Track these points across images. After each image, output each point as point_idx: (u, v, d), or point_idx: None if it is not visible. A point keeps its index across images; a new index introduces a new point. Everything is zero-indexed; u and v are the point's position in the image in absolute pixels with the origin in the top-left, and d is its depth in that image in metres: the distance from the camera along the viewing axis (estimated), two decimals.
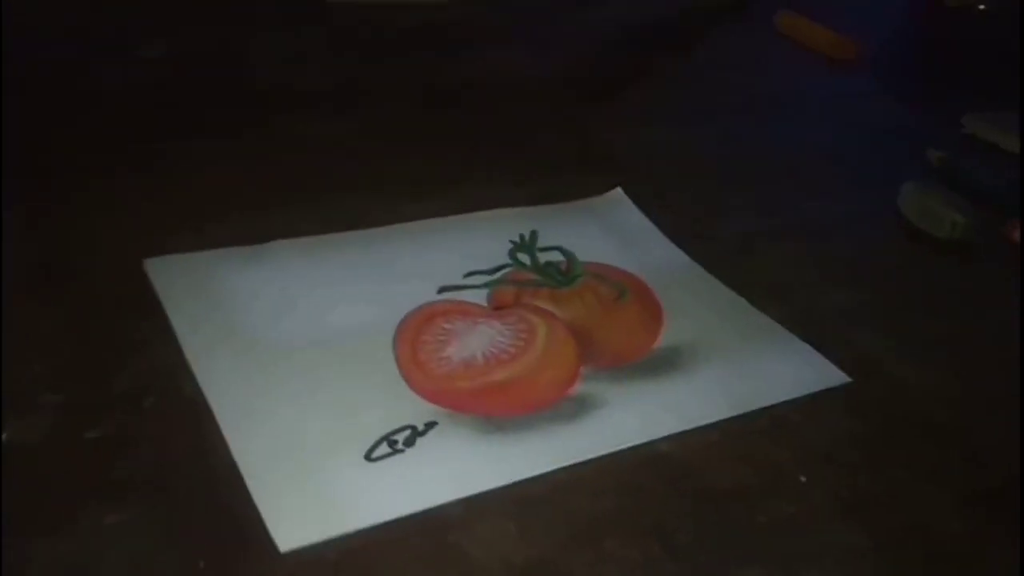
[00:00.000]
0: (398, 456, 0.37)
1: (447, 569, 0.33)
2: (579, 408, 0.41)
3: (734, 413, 0.42)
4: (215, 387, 0.39)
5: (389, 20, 0.80)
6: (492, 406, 0.41)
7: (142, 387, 0.39)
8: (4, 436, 0.35)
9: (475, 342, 0.44)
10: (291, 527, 0.33)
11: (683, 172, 0.62)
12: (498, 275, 0.49)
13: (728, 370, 0.44)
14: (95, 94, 0.61)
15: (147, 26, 0.71)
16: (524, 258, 0.51)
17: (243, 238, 0.48)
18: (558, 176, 0.59)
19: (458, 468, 0.37)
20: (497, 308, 0.47)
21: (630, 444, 0.39)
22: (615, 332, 0.47)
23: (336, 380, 0.41)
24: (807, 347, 0.46)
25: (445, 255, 0.50)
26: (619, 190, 0.58)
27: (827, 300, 0.51)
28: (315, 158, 0.57)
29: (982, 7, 1.08)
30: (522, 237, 0.53)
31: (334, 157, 0.57)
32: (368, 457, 0.37)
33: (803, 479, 0.39)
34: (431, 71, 0.71)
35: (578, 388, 0.42)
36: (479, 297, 0.48)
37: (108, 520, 0.33)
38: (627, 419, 0.41)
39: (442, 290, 0.47)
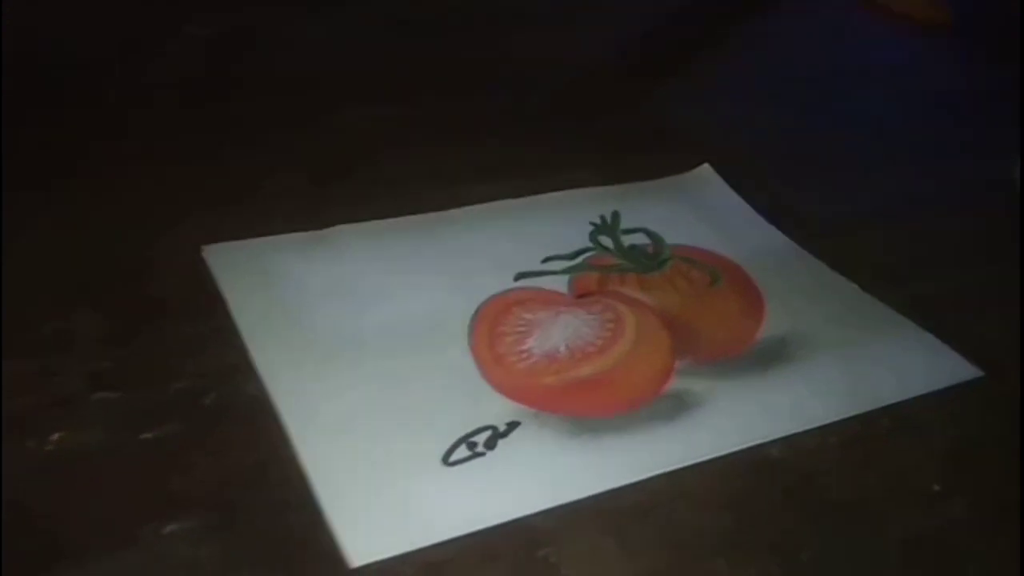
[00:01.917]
0: (478, 460, 0.33)
1: None
2: (677, 407, 0.37)
3: (853, 412, 0.37)
4: (280, 386, 0.36)
5: None
6: (580, 405, 0.37)
7: (202, 385, 0.35)
8: (56, 436, 0.33)
9: (558, 333, 0.40)
10: (364, 540, 0.30)
11: (766, 150, 0.57)
12: (579, 260, 0.45)
13: (843, 363, 0.40)
14: (142, 77, 0.58)
15: (188, 8, 0.67)
16: (607, 241, 0.47)
17: (300, 226, 0.45)
18: (632, 155, 0.54)
19: (546, 474, 0.33)
20: (580, 296, 0.43)
21: (737, 448, 0.35)
22: (712, 321, 0.43)
23: (408, 376, 0.37)
24: (930, 336, 0.42)
25: (519, 239, 0.46)
26: (707, 166, 0.54)
27: (942, 283, 0.46)
28: (369, 144, 0.53)
29: None
30: (603, 219, 0.49)
31: (389, 143, 0.53)
32: (446, 461, 0.33)
33: (936, 488, 0.34)
34: (483, 50, 0.67)
35: (674, 384, 0.38)
36: (559, 284, 0.44)
37: (167, 530, 0.30)
38: (732, 420, 0.37)
39: (519, 277, 0.44)
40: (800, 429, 0.36)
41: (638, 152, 0.55)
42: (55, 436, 0.33)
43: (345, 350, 0.38)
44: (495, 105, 0.59)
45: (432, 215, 0.47)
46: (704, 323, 0.42)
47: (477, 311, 0.41)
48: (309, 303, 0.40)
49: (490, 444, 0.34)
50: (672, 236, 0.48)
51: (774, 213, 0.50)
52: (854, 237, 0.49)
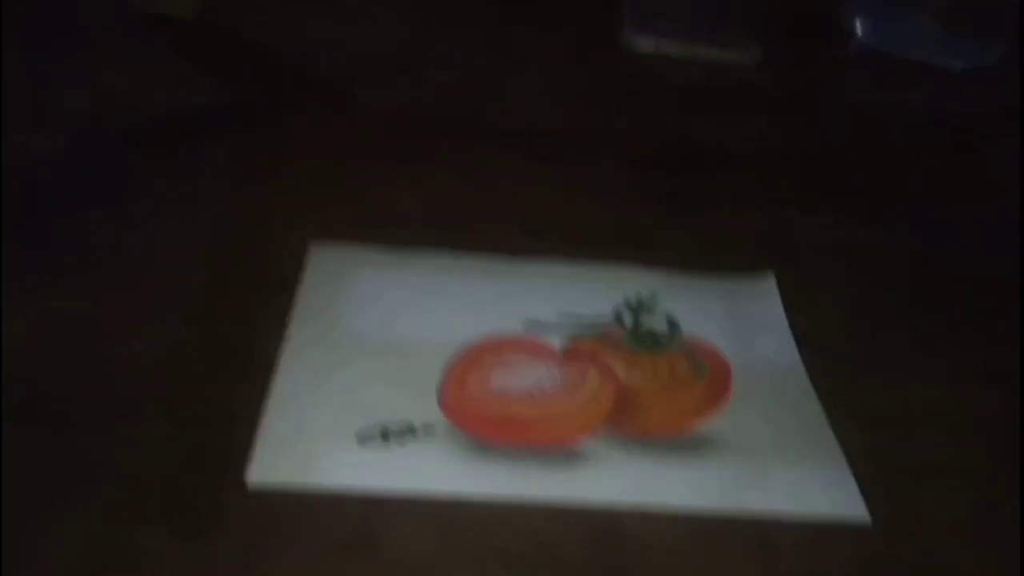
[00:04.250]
0: (384, 445, 0.43)
1: (357, 549, 0.39)
2: (568, 457, 0.44)
3: (716, 506, 0.42)
4: (291, 353, 0.47)
5: (678, 73, 0.83)
6: (494, 434, 0.45)
7: (244, 340, 0.48)
8: (136, 346, 0.48)
9: (523, 378, 0.48)
10: (267, 468, 0.41)
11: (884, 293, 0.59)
12: (588, 327, 0.53)
13: (741, 467, 0.44)
14: (375, 103, 0.73)
15: (438, 52, 0.82)
16: (627, 318, 0.54)
17: (405, 243, 0.56)
18: (727, 260, 0.59)
19: (419, 468, 0.42)
20: (568, 355, 0.50)
21: (591, 503, 0.41)
22: (663, 411, 0.48)
23: (387, 375, 0.47)
24: (846, 471, 0.44)
25: (564, 296, 0.54)
26: (771, 274, 0.58)
27: (926, 449, 0.47)
28: (505, 196, 0.63)
29: None
30: (639, 297, 0.55)
31: (520, 198, 0.63)
32: (359, 439, 0.43)
33: None
34: (681, 129, 0.74)
35: (583, 442, 0.45)
36: (563, 340, 0.51)
37: (157, 425, 0.43)
38: (605, 479, 0.43)
39: (530, 324, 0.52)
40: (655, 502, 0.41)
41: (728, 254, 0.60)
42: (135, 345, 0.48)
43: (357, 343, 0.49)
44: (643, 182, 0.66)
45: (505, 260, 0.57)
46: (652, 409, 0.47)
47: (475, 342, 0.50)
48: (358, 308, 0.52)
49: (399, 437, 0.44)
50: (692, 328, 0.53)
51: (814, 339, 0.53)
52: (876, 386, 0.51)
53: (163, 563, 0.37)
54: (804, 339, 0.53)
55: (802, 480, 0.43)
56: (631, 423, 0.46)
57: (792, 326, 0.54)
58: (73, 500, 0.39)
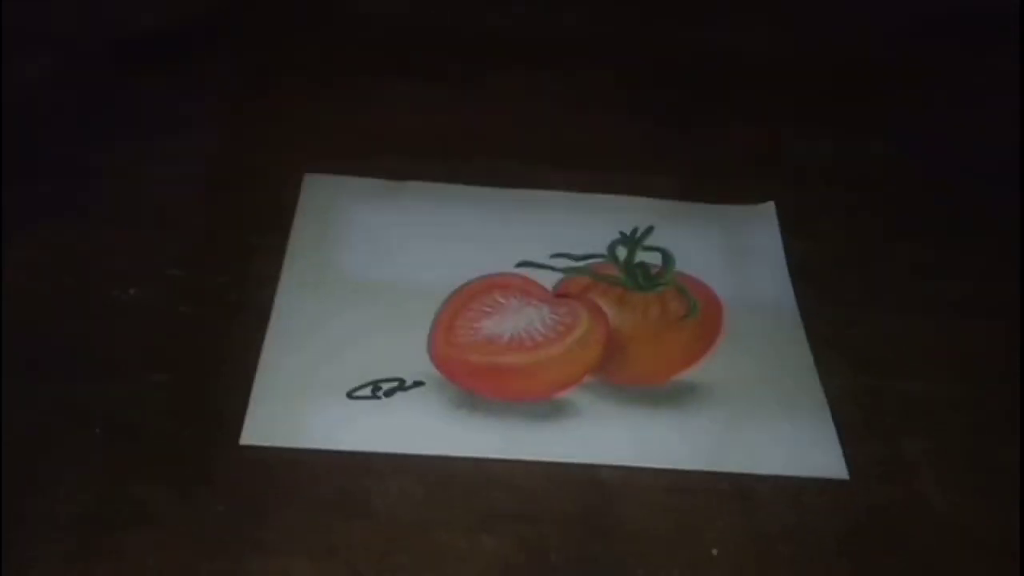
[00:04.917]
0: (374, 401, 0.44)
1: (346, 507, 0.40)
2: (554, 411, 0.45)
3: (698, 467, 0.42)
4: (284, 297, 0.48)
5: None
6: (482, 384, 0.45)
7: (237, 284, 0.49)
8: (132, 291, 0.48)
9: (513, 321, 0.48)
10: (260, 428, 0.42)
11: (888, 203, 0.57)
12: (582, 263, 0.52)
13: (725, 423, 0.44)
14: (358, 16, 0.70)
15: None
16: (621, 252, 0.53)
17: (395, 173, 0.56)
18: (728, 179, 0.58)
19: (408, 426, 0.43)
20: (559, 295, 0.50)
21: (575, 460, 0.42)
22: (652, 355, 0.48)
23: (379, 322, 0.47)
24: (831, 430, 0.44)
25: (558, 229, 0.53)
26: (771, 204, 0.56)
27: (913, 390, 0.47)
28: (505, 113, 0.61)
29: None
30: (635, 231, 0.55)
31: (521, 114, 0.61)
32: (349, 395, 0.44)
33: (715, 552, 0.40)
34: (666, 36, 0.71)
35: (570, 392, 0.46)
36: (553, 279, 0.51)
37: (153, 378, 0.44)
38: (590, 436, 0.43)
39: (521, 264, 0.52)
40: (640, 464, 0.42)
41: (736, 176, 0.59)
42: (131, 291, 0.48)
43: (350, 285, 0.49)
44: (629, 94, 0.64)
45: (496, 190, 0.56)
46: (644, 355, 0.48)
47: (465, 284, 0.50)
48: (349, 240, 0.52)
49: (390, 393, 0.44)
50: (688, 262, 0.53)
51: (813, 267, 0.53)
52: (873, 327, 0.50)
53: (157, 519, 0.39)
54: (800, 269, 0.53)
55: (784, 436, 0.44)
56: (620, 370, 0.47)
57: (788, 256, 0.53)
58: (71, 455, 0.41)
